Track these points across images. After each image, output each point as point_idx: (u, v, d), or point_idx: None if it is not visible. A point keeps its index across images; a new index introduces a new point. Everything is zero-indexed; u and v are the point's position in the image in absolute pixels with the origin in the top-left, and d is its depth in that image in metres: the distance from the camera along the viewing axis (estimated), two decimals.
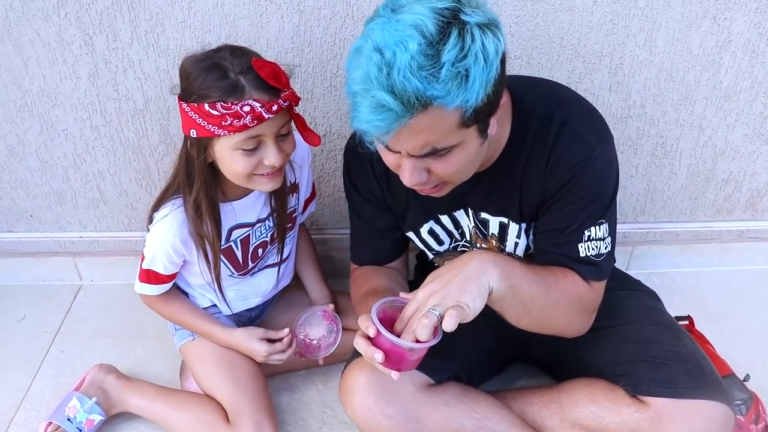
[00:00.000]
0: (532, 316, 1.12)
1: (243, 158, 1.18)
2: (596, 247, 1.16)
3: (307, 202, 1.54)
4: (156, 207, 1.32)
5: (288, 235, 1.48)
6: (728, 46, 1.55)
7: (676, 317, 1.45)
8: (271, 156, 1.18)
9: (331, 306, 1.51)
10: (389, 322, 1.06)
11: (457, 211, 1.27)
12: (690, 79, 1.60)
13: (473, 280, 1.01)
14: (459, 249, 1.34)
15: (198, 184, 1.24)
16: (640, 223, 1.89)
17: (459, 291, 1.00)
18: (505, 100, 1.04)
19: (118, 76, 1.57)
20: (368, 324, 1.04)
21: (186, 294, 1.50)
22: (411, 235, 1.35)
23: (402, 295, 1.11)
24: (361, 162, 1.29)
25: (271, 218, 1.41)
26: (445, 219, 1.29)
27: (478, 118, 0.96)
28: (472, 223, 1.27)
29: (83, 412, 1.43)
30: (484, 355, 1.42)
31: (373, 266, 1.41)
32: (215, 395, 1.43)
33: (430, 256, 1.38)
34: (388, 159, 1.04)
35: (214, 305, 1.51)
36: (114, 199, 1.80)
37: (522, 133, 1.13)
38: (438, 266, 1.42)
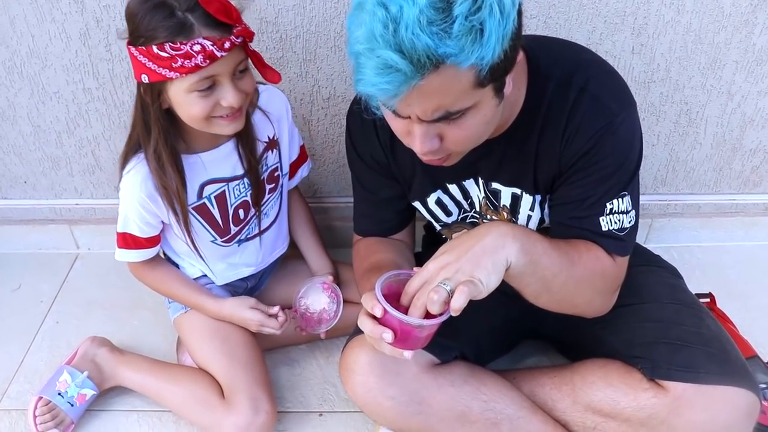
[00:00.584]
0: (552, 293, 1.04)
1: (199, 100, 1.11)
2: (619, 221, 1.08)
3: (296, 165, 1.47)
4: (122, 164, 1.26)
5: (270, 197, 1.41)
6: (764, 5, 1.44)
7: (696, 294, 1.36)
8: (228, 96, 1.12)
9: (331, 277, 1.45)
10: (394, 297, 0.99)
11: (467, 180, 1.19)
12: (720, 40, 1.49)
13: (489, 253, 0.94)
14: (468, 220, 1.27)
15: (156, 132, 1.18)
16: (660, 194, 1.79)
17: (473, 265, 0.92)
18: (521, 57, 0.95)
19: (110, 36, 1.49)
20: (374, 303, 0.96)
21: (177, 266, 1.45)
22: (417, 205, 1.27)
23: (410, 270, 1.03)
24: (364, 127, 1.21)
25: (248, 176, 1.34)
26: (453, 188, 1.21)
27: (494, 76, 0.87)
28: (483, 194, 1.19)
29: (74, 387, 1.38)
30: (494, 333, 1.35)
31: (376, 238, 1.33)
32: (210, 369, 1.39)
33: (438, 227, 1.31)
34: (396, 126, 0.96)
35: (205, 275, 1.45)
36: (110, 165, 1.73)
37: (538, 98, 1.04)
38: (446, 239, 1.36)
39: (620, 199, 1.07)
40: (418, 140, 0.93)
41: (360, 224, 1.35)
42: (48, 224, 1.86)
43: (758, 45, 1.50)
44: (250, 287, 1.55)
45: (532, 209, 1.16)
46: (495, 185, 1.16)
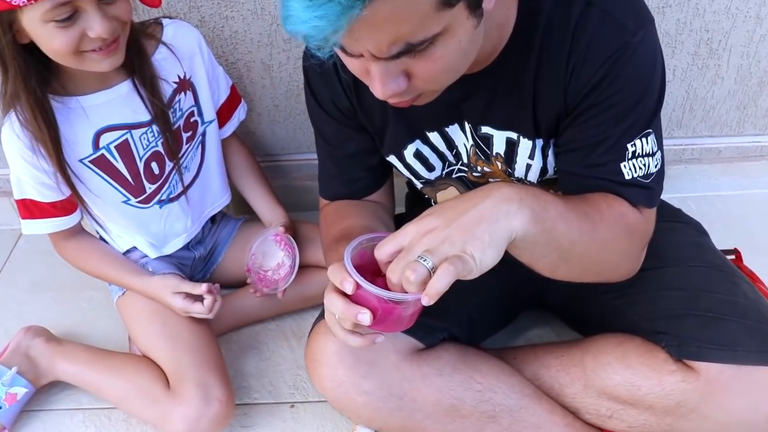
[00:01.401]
0: (571, 264, 0.84)
1: (59, 32, 0.94)
2: (644, 165, 0.88)
3: (228, 109, 1.30)
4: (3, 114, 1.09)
5: (188, 148, 1.23)
6: None
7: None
8: (95, 25, 0.94)
9: (282, 228, 1.28)
10: (369, 269, 0.80)
11: (450, 126, 0.98)
12: None
13: (488, 222, 0.72)
14: (455, 175, 1.06)
15: (12, 72, 1.00)
16: (675, 138, 1.58)
17: (465, 235, 0.71)
18: None
19: None
20: (343, 276, 0.77)
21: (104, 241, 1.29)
22: (393, 160, 1.06)
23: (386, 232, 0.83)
24: (323, 69, 1.00)
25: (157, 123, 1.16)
26: (435, 137, 1.00)
27: None
28: (471, 141, 0.98)
29: (1, 386, 1.18)
30: (487, 308, 1.15)
31: (347, 201, 1.13)
32: (152, 356, 1.22)
33: (419, 185, 1.10)
34: (352, 66, 0.75)
35: (136, 248, 1.28)
36: None
37: (532, 16, 0.83)
38: (430, 199, 1.16)
39: (644, 139, 0.87)
40: (377, 81, 0.72)
41: (326, 186, 1.15)
42: None
43: None
44: (200, 257, 1.37)
45: (531, 157, 0.95)
46: (485, 129, 0.95)
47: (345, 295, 0.78)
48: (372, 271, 0.80)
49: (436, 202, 1.15)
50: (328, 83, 1.00)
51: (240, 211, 1.55)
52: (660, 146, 0.90)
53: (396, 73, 0.72)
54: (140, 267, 1.27)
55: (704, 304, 0.98)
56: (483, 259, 0.71)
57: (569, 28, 0.81)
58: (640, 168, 0.88)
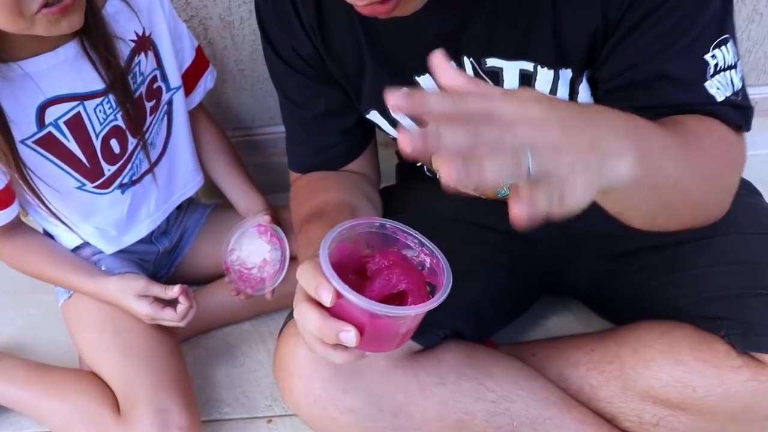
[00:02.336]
0: (671, 210, 0.63)
1: None
2: (730, 80, 0.68)
3: (193, 75, 1.10)
4: None
5: (153, 120, 1.04)
6: None
7: None
8: None
9: (267, 216, 1.09)
10: (350, 268, 0.62)
11: None
12: None
13: (601, 152, 0.48)
14: None
15: None
16: None
17: (581, 156, 0.46)
18: None
19: None
20: (318, 282, 0.57)
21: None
22: (374, 116, 0.86)
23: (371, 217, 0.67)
24: (278, 9, 0.81)
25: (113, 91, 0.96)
26: (426, 81, 0.79)
27: None
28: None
29: None
30: (497, 293, 0.95)
31: (321, 173, 0.94)
32: (101, 373, 1.03)
33: None
34: None
35: (89, 244, 1.08)
36: None
37: None
38: (424, 167, 0.96)
39: (724, 47, 0.67)
40: None
41: (295, 156, 0.96)
42: None
43: None
44: (164, 251, 1.18)
45: (553, 92, 0.74)
46: (492, 62, 0.74)
47: (320, 305, 0.59)
48: (354, 268, 0.62)
49: (431, 170, 0.95)
50: (286, 26, 0.81)
51: (210, 196, 1.36)
52: (739, 55, 0.70)
53: None
54: (93, 266, 1.08)
55: None
56: (582, 199, 0.47)
57: None
58: (728, 84, 0.68)
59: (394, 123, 0.85)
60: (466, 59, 0.75)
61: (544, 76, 0.73)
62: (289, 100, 0.90)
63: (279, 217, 1.17)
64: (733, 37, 0.69)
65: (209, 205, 1.26)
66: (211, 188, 1.29)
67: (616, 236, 0.93)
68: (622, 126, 0.52)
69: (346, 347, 0.61)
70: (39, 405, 1.03)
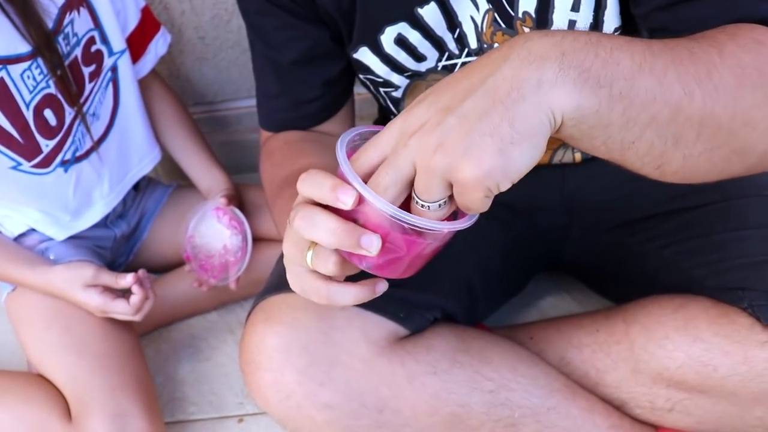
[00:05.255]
0: (686, 143, 0.49)
1: None
2: None
3: (141, 38, 1.02)
4: None
5: (94, 87, 0.95)
6: None
7: None
8: None
9: (223, 200, 1.01)
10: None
11: None
12: None
13: (506, 103, 0.43)
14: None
15: None
16: None
17: (470, 132, 0.43)
18: None
19: None
20: (335, 183, 0.47)
21: None
22: (364, 53, 0.76)
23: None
24: None
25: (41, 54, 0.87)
26: (430, 12, 0.70)
27: None
28: (485, 5, 0.68)
29: None
30: (491, 270, 0.87)
31: (297, 133, 0.85)
32: (49, 375, 0.94)
33: (399, 85, 0.79)
34: None
35: (33, 230, 0.99)
36: None
37: None
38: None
39: None
40: None
41: (267, 111, 0.88)
42: None
43: None
44: (122, 236, 1.09)
45: (575, 8, 0.65)
46: None
47: (334, 211, 0.49)
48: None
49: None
50: None
51: (172, 176, 1.28)
52: None
53: None
54: (38, 255, 0.98)
55: None
56: (507, 165, 0.42)
57: None
58: None
59: (386, 57, 0.75)
60: None
61: None
62: (264, 43, 0.80)
63: (244, 197, 1.10)
64: None
65: (170, 185, 1.18)
66: (171, 167, 1.21)
67: (621, 202, 0.86)
68: (554, 50, 0.43)
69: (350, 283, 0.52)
70: None
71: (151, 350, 1.06)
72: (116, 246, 1.09)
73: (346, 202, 0.46)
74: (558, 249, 0.92)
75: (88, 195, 1.01)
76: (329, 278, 0.51)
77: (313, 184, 0.48)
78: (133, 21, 0.99)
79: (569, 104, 0.42)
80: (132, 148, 1.05)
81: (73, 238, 1.02)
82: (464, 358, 0.72)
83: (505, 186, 0.43)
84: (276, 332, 0.68)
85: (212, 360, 1.06)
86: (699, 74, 0.48)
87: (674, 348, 0.73)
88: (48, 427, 0.88)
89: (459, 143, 0.42)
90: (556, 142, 0.79)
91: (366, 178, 0.46)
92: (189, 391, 1.02)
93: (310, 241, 0.49)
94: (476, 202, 0.43)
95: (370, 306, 0.67)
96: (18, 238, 1.00)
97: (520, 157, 0.42)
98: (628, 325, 0.78)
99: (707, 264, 0.75)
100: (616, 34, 0.67)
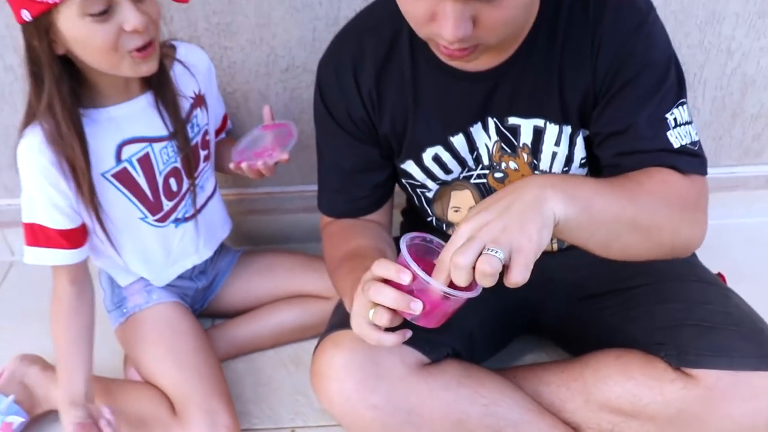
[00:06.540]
0: (623, 236, 0.86)
1: (97, 28, 0.94)
2: (687, 133, 0.93)
3: (218, 133, 1.34)
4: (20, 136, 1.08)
5: (205, 167, 1.25)
6: None
7: None
8: (130, 17, 0.95)
9: (266, 110, 1.24)
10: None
11: (474, 126, 1.01)
12: None
13: (533, 208, 0.76)
14: (472, 180, 1.09)
15: (49, 82, 1.00)
16: None
17: (521, 221, 0.75)
18: None
19: None
20: (398, 268, 0.79)
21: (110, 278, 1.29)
22: (409, 165, 1.08)
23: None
24: (340, 78, 1.04)
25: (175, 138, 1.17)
26: (458, 140, 1.03)
27: None
28: (495, 138, 1.02)
29: None
30: (487, 326, 1.17)
31: (349, 220, 1.15)
32: (157, 383, 1.20)
33: (432, 188, 1.11)
34: (419, 7, 0.80)
35: (142, 278, 1.27)
36: None
37: (555, 2, 0.92)
38: (434, 222, 1.18)
39: (680, 108, 0.93)
40: (451, 22, 0.77)
41: (330, 202, 1.16)
42: None
43: None
44: (201, 288, 1.36)
45: (557, 143, 1.00)
46: (512, 120, 1.00)
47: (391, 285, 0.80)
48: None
49: (447, 210, 1.16)
50: (345, 93, 1.03)
51: (238, 243, 1.56)
52: (692, 117, 0.96)
53: (467, 16, 0.77)
54: (81, 370, 1.13)
55: (700, 315, 1.01)
56: (541, 239, 0.74)
57: (588, 11, 0.90)
58: (685, 135, 0.92)
59: (425, 169, 1.07)
60: (490, 120, 1.00)
61: (551, 130, 0.98)
62: (332, 153, 1.11)
63: (285, 261, 1.40)
64: (686, 100, 0.95)
65: (239, 250, 1.45)
66: (239, 236, 1.49)
67: (583, 282, 1.16)
68: (549, 183, 0.79)
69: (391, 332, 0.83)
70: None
71: None
72: (196, 295, 1.36)
73: (405, 280, 0.78)
74: (536, 316, 1.23)
75: (188, 248, 1.27)
76: (380, 328, 0.83)
77: (382, 268, 0.80)
78: (219, 121, 1.31)
79: (561, 211, 0.77)
80: (216, 216, 1.33)
81: (168, 285, 1.29)
82: (467, 381, 1.03)
83: (538, 254, 0.74)
84: (341, 354, 0.97)
85: (269, 385, 1.32)
86: (630, 197, 0.85)
87: (614, 384, 1.02)
88: (158, 418, 1.15)
89: (517, 227, 0.74)
90: None
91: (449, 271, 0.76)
92: (252, 408, 1.28)
93: (373, 303, 0.81)
94: (523, 268, 0.73)
95: (407, 342, 0.93)
96: (128, 287, 1.27)
97: (547, 236, 0.75)
98: (583, 367, 1.07)
99: (641, 328, 1.05)
100: (582, 161, 1.02)
